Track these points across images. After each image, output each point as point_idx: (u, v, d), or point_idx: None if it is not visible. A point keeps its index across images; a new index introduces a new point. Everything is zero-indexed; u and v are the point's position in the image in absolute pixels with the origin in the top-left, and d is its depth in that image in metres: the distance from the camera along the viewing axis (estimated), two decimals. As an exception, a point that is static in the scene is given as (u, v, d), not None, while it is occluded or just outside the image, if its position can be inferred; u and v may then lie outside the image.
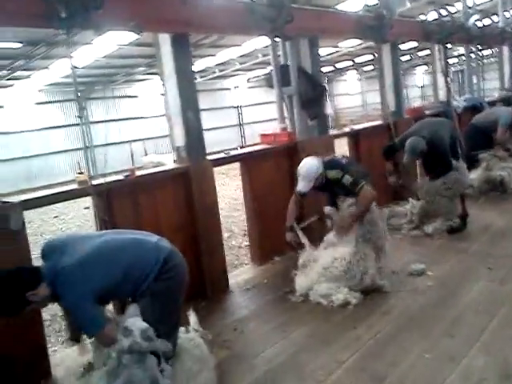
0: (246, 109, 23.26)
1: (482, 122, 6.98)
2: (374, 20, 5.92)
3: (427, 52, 20.97)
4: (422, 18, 7.76)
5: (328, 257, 4.01)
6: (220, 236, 4.42)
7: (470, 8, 9.26)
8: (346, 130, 6.22)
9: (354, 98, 32.05)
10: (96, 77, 15.70)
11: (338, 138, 6.00)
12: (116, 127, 18.06)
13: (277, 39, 5.04)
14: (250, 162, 4.85)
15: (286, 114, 5.32)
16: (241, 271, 5.05)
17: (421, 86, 33.29)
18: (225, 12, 4.33)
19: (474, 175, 6.59)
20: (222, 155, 4.60)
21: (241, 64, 16.64)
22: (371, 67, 26.11)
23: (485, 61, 10.56)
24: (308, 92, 5.11)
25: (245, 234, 7.00)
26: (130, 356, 2.46)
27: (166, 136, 20.47)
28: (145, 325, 2.51)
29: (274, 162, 5.02)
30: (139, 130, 19.57)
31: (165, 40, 3.93)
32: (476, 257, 4.54)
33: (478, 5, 9.92)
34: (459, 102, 8.71)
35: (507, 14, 10.79)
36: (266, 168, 4.96)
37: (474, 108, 8.69)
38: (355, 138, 6.30)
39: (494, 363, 2.79)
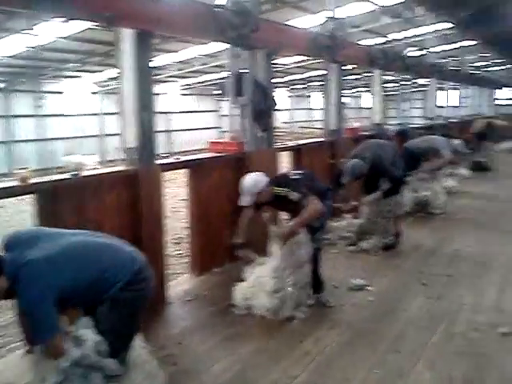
0: (175, 116, 22.97)
1: (418, 147, 7.38)
2: (329, 39, 6.08)
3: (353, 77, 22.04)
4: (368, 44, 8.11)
5: (262, 271, 4.02)
6: (162, 243, 4.26)
7: (406, 39, 9.85)
8: (290, 144, 6.31)
9: (282, 114, 33.11)
10: (23, 68, 14.72)
11: (282, 152, 6.05)
12: (38, 123, 17.00)
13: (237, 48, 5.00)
14: (198, 169, 4.75)
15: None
16: (179, 281, 4.87)
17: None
18: (191, 15, 4.24)
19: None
20: (171, 160, 4.47)
21: (179, 70, 16.43)
22: (301, 86, 26.85)
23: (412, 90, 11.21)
24: (261, 104, 5.12)
25: (176, 243, 6.83)
26: (75, 369, 2.29)
27: (90, 136, 19.79)
28: (98, 338, 2.35)
29: (221, 171, 4.96)
30: (63, 129, 18.60)
31: (127, 36, 3.75)
32: (411, 273, 4.75)
33: (410, 37, 10.55)
34: (389, 127, 9.20)
35: (434, 49, 11.65)
36: (213, 177, 4.88)
37: (403, 132, 9.20)
38: (298, 152, 6.40)
39: (439, 379, 2.92)
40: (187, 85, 20.96)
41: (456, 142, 8.78)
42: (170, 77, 18.02)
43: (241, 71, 5.15)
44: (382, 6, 10.17)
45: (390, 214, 5.47)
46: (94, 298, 2.40)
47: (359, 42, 10.16)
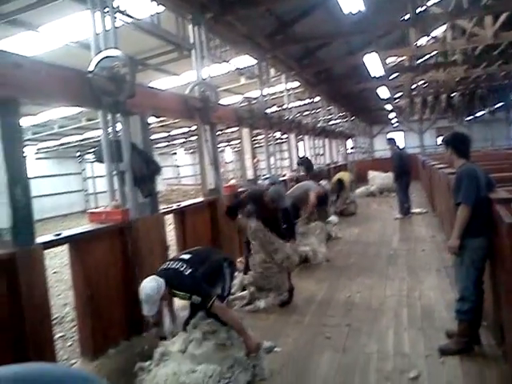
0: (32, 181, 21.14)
1: (293, 196, 7.75)
2: (200, 102, 6.13)
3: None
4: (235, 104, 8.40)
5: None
6: (51, 336, 3.70)
7: (265, 98, 10.39)
8: (174, 206, 6.11)
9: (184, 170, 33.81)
10: None
11: (167, 215, 5.82)
12: None
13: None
14: (81, 244, 4.30)
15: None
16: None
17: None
18: (62, 81, 3.95)
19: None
20: (51, 237, 3.98)
21: (34, 134, 15.31)
22: (164, 144, 26.86)
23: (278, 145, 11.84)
24: (142, 169, 4.89)
25: (56, 324, 6.13)
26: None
27: None
28: None
29: (107, 243, 4.57)
30: None
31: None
32: (312, 328, 4.77)
33: (271, 94, 11.17)
34: (263, 181, 9.48)
35: (290, 106, 12.52)
36: (99, 249, 4.47)
37: (273, 185, 9.57)
38: (181, 214, 6.23)
39: None
40: (46, 148, 19.61)
41: (323, 182, 9.45)
42: (26, 140, 16.81)
43: (117, 136, 4.92)
44: (238, 68, 10.70)
45: (280, 268, 5.51)
46: None
47: (225, 103, 10.56)
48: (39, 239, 3.74)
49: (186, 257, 3.99)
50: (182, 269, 3.80)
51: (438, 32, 13.34)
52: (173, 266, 3.87)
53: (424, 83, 18.30)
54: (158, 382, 3.43)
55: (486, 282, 3.93)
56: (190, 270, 3.78)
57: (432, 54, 14.84)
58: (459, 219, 3.84)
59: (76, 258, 4.26)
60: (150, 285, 3.61)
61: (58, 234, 4.03)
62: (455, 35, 11.94)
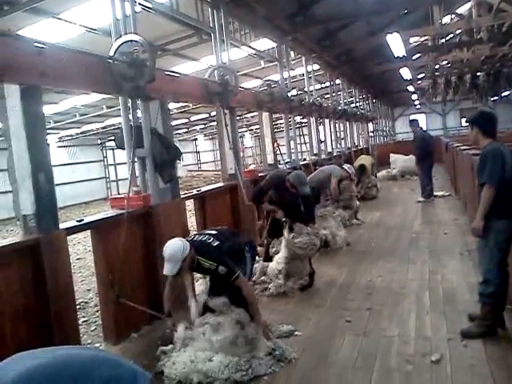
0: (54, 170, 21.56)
1: (313, 180, 7.72)
2: (220, 86, 6.11)
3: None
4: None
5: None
6: (76, 322, 3.81)
7: (286, 81, 10.28)
8: (194, 192, 6.16)
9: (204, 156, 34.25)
10: None
11: (187, 200, 5.88)
12: None
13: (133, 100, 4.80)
14: (103, 229, 4.37)
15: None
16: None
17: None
18: (83, 67, 3.98)
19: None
20: (73, 223, 4.05)
21: (56, 122, 15.52)
22: (184, 130, 26.98)
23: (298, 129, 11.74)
24: (163, 154, 4.92)
25: (79, 309, 6.26)
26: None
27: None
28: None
29: (128, 228, 4.62)
30: None
31: (12, 92, 3.38)
32: (333, 311, 4.77)
33: (291, 78, 11.05)
34: (283, 165, 9.45)
35: (310, 89, 12.37)
36: (121, 235, 4.52)
37: (295, 169, 9.53)
38: (201, 199, 6.27)
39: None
40: (68, 136, 19.88)
41: (346, 166, 9.38)
42: (49, 129, 17.06)
43: (138, 122, 4.95)
44: (258, 51, 10.60)
45: (304, 253, 5.50)
46: None
47: (245, 86, 10.49)
48: (62, 225, 3.82)
49: (213, 232, 4.08)
50: (209, 241, 3.89)
51: (463, 9, 12.95)
52: (199, 239, 3.95)
53: (447, 63, 17.85)
54: (177, 368, 3.51)
55: (510, 264, 3.86)
56: (217, 242, 3.87)
57: (456, 33, 14.43)
58: (483, 200, 3.76)
59: (98, 244, 4.34)
60: (176, 244, 3.67)
61: (81, 220, 4.10)
62: (481, 12, 11.56)
